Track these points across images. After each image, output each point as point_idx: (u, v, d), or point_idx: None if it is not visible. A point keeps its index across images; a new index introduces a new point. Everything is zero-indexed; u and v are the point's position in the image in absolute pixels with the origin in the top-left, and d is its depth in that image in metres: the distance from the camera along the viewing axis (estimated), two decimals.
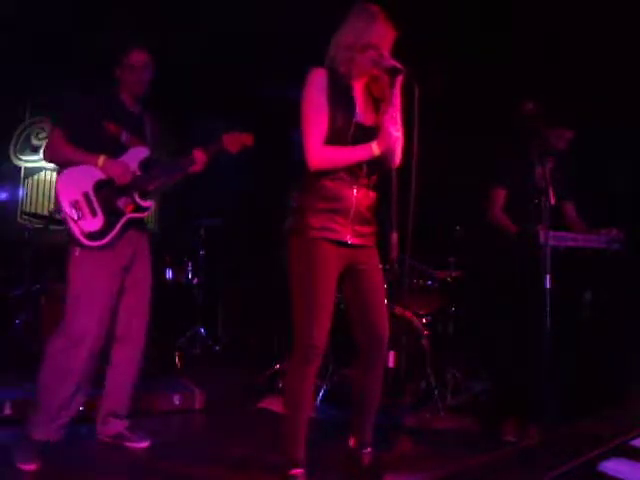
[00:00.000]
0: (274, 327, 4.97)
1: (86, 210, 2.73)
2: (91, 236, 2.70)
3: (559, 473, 1.20)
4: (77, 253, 2.71)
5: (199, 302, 5.47)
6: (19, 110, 5.87)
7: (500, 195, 3.43)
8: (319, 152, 2.29)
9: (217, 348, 5.37)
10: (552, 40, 4.19)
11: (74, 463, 2.65)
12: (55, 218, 4.17)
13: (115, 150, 2.82)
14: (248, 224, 6.16)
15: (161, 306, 5.02)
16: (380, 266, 2.46)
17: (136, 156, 2.89)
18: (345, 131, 2.30)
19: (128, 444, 2.86)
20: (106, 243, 2.73)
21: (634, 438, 1.41)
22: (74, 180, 2.75)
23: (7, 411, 3.02)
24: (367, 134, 2.33)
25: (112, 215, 2.77)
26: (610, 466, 1.26)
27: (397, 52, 2.30)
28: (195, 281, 5.44)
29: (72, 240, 2.71)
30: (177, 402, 3.52)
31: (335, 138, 2.29)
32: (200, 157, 2.92)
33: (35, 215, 4.91)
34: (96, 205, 2.75)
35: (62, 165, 2.83)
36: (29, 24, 5.01)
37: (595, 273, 3.33)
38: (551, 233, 2.91)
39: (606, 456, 1.30)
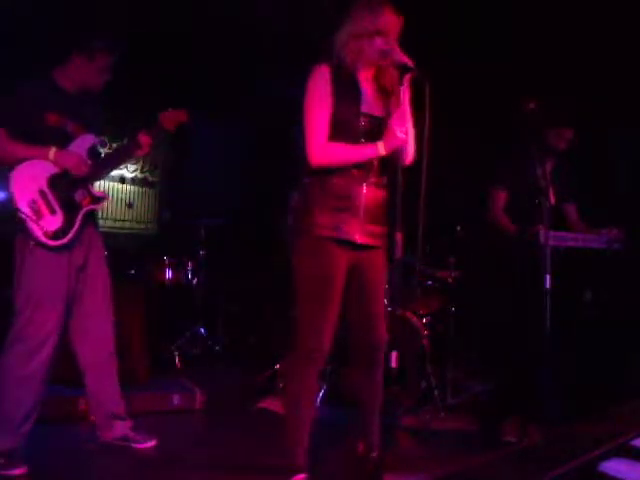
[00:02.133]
0: (274, 327, 4.96)
1: (44, 208, 2.57)
2: (54, 236, 2.57)
3: (559, 473, 1.20)
4: (35, 253, 2.55)
5: (199, 302, 5.46)
6: None
7: (500, 195, 3.42)
8: (321, 148, 2.23)
9: (217, 348, 5.37)
10: (552, 40, 4.19)
11: (73, 465, 2.65)
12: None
13: (61, 141, 2.67)
14: (248, 224, 6.15)
15: (161, 306, 5.06)
16: (385, 270, 2.42)
17: (83, 145, 2.74)
18: (353, 123, 2.25)
19: (135, 445, 2.81)
20: (69, 240, 2.61)
21: (634, 438, 1.41)
22: (28, 177, 2.58)
23: None
24: (376, 124, 2.28)
25: (70, 210, 2.65)
26: (610, 466, 1.26)
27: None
28: (195, 281, 5.43)
29: (29, 239, 2.55)
30: (177, 402, 3.51)
31: (343, 131, 2.24)
32: (145, 140, 2.81)
33: None
34: (53, 201, 2.60)
35: (10, 164, 2.61)
36: (28, 24, 5.01)
37: (595, 273, 3.33)
38: (551, 233, 2.91)
39: (606, 456, 1.30)
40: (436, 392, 3.63)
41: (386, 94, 2.35)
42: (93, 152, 2.80)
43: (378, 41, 2.22)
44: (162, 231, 6.44)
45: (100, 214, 3.35)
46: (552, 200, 2.92)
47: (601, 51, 4.02)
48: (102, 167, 2.86)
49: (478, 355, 4.19)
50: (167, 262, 5.15)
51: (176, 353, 4.74)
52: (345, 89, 2.26)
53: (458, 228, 4.12)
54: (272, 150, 5.91)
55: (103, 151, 3.02)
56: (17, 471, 2.43)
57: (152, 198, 6.42)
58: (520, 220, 3.26)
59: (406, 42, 2.26)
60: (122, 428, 2.83)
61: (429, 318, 4.05)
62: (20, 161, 2.59)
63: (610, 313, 3.46)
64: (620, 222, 3.31)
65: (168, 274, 5.20)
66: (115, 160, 2.98)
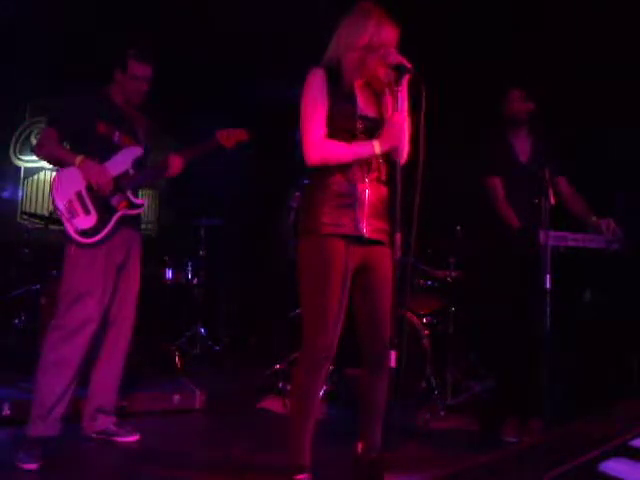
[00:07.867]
0: (274, 327, 4.97)
1: (79, 209, 2.79)
2: (84, 233, 2.77)
3: (559, 473, 1.19)
4: (72, 251, 2.78)
5: (199, 302, 5.47)
6: (19, 111, 5.87)
7: (496, 183, 3.37)
8: (318, 147, 2.25)
9: (217, 348, 5.37)
10: (552, 39, 4.19)
11: (70, 463, 2.65)
12: (54, 218, 4.20)
13: (107, 150, 2.88)
14: (248, 224, 6.15)
15: (161, 306, 5.06)
16: (392, 267, 2.38)
17: (130, 155, 2.94)
18: (350, 125, 2.28)
19: (117, 439, 2.91)
20: (99, 239, 2.79)
21: (634, 438, 1.40)
22: (68, 180, 2.80)
23: (6, 411, 3.02)
24: (373, 126, 2.30)
25: (105, 212, 2.83)
26: (610, 466, 1.26)
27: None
28: (195, 281, 5.43)
29: (67, 238, 2.78)
30: (177, 402, 3.52)
31: (341, 133, 2.27)
32: (175, 162, 2.98)
33: (35, 215, 4.90)
34: (89, 203, 2.81)
35: (51, 162, 2.94)
36: (29, 25, 5.02)
37: (595, 273, 3.33)
38: (551, 233, 2.91)
39: (606, 456, 1.29)
40: (436, 392, 3.63)
41: (377, 97, 2.38)
42: (140, 163, 2.99)
43: (380, 53, 2.24)
44: (162, 231, 6.44)
45: None
46: (552, 200, 2.91)
47: (601, 50, 4.02)
48: (142, 180, 3.04)
49: (478, 355, 4.18)
50: (167, 262, 5.15)
51: (176, 353, 4.75)
52: (341, 92, 2.29)
53: (458, 228, 4.12)
54: (272, 150, 5.92)
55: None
56: (28, 466, 2.52)
57: (152, 198, 6.42)
58: (519, 217, 3.25)
59: (404, 41, 2.27)
60: (105, 422, 2.93)
61: (429, 318, 4.05)
62: (58, 162, 2.84)
63: (610, 313, 3.46)
64: (619, 222, 3.31)
65: (168, 274, 5.21)
66: (149, 176, 3.11)
